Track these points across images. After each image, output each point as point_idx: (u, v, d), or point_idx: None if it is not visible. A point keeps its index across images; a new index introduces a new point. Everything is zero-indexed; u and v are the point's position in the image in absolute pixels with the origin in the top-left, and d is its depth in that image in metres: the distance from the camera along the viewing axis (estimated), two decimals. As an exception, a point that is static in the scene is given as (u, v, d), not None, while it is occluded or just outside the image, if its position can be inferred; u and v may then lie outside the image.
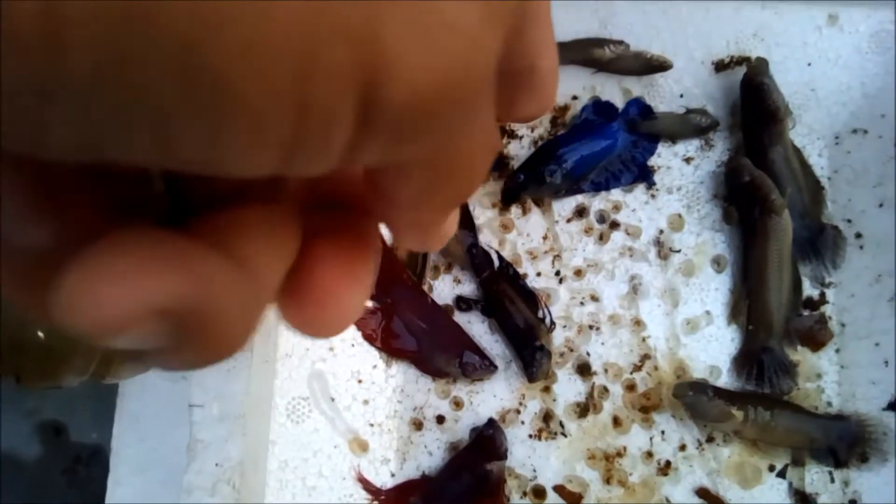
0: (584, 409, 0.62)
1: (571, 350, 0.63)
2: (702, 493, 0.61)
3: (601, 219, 0.65)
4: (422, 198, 0.15)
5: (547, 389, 0.62)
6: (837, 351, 0.63)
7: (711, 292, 0.64)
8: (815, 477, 0.61)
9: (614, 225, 0.65)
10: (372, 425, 0.60)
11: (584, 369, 0.62)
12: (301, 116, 0.11)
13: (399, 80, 0.11)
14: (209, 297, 0.13)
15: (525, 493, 0.61)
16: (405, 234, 0.18)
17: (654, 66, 0.64)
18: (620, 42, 0.63)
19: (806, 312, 0.63)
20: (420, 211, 0.16)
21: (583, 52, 0.64)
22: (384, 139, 0.12)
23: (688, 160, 0.66)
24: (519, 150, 0.66)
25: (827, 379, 0.63)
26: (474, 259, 0.63)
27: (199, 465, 0.50)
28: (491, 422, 0.61)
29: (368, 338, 0.61)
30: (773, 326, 0.62)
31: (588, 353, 0.63)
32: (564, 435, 0.61)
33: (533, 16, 0.18)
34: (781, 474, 0.61)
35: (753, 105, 0.63)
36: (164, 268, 0.12)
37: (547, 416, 0.62)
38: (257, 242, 0.15)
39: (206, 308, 0.13)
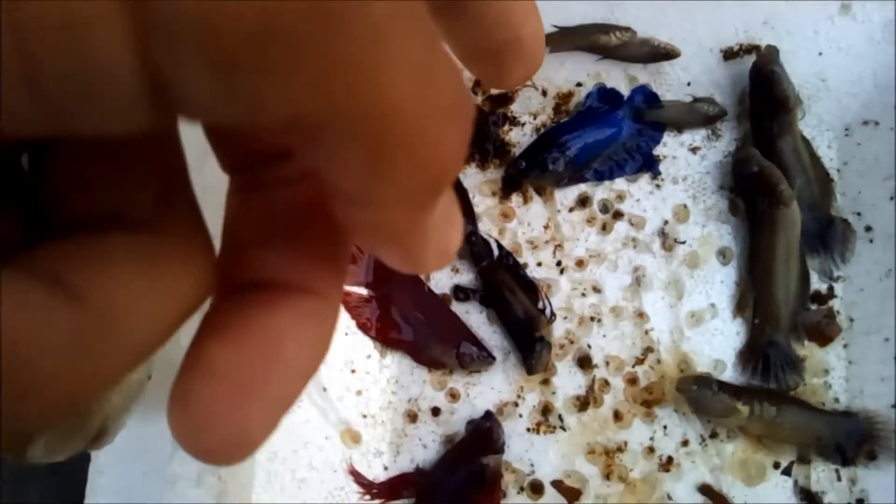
0: (584, 403, 0.60)
1: (572, 342, 0.61)
2: (704, 490, 0.59)
3: (604, 208, 0.63)
4: (369, 183, 0.12)
5: (546, 382, 0.60)
6: (845, 346, 0.61)
7: (717, 285, 0.62)
8: (821, 475, 0.59)
9: (618, 215, 0.63)
10: (365, 416, 0.59)
11: (584, 362, 0.61)
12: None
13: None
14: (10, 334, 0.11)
15: (522, 489, 0.59)
16: (378, 248, 0.14)
17: (661, 53, 0.62)
18: (627, 28, 0.62)
19: (813, 307, 0.62)
20: (376, 206, 0.13)
21: (588, 39, 0.62)
22: (204, 71, 0.10)
23: (694, 150, 0.64)
24: (521, 138, 0.64)
25: (834, 375, 0.61)
26: (473, 248, 0.61)
27: (184, 455, 0.48)
28: (488, 414, 0.59)
29: (363, 326, 0.60)
30: (780, 320, 0.60)
31: (589, 346, 0.61)
32: (563, 429, 0.60)
33: None
34: (787, 472, 0.59)
35: (762, 94, 0.61)
36: None
37: (546, 410, 0.60)
38: (110, 276, 0.12)
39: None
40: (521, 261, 0.62)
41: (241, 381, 0.13)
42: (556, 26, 0.62)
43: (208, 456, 0.13)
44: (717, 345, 0.61)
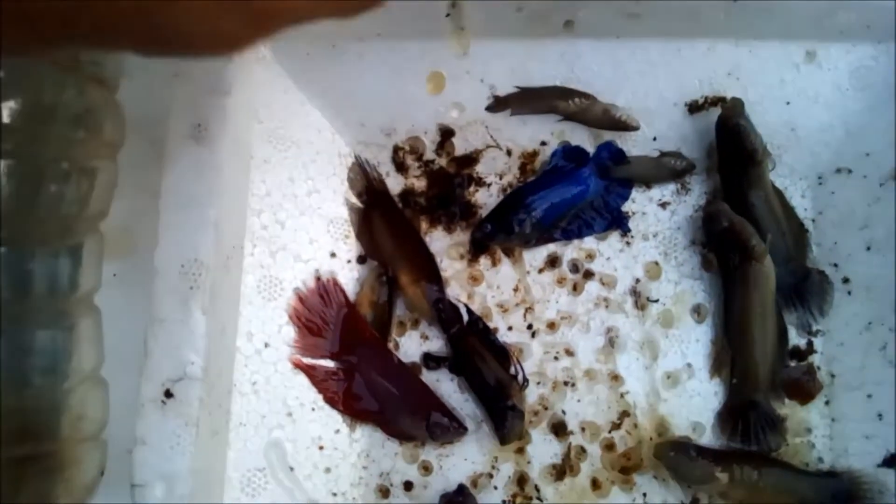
0: (560, 472, 0.58)
1: (546, 408, 0.59)
2: (687, 560, 0.57)
3: (574, 268, 0.62)
4: None
5: (521, 451, 0.59)
6: (827, 403, 0.60)
7: (692, 344, 0.60)
8: (808, 540, 0.57)
9: (588, 274, 0.62)
10: (335, 494, 0.57)
11: (559, 428, 0.59)
12: None
13: None
14: None
15: (499, 564, 0.57)
16: None
17: (620, 125, 0.61)
18: (587, 95, 0.61)
19: (793, 363, 0.60)
20: None
21: (548, 104, 0.61)
22: None
23: (663, 205, 0.63)
24: (487, 199, 0.63)
25: (817, 433, 0.59)
26: (441, 314, 0.60)
27: (141, 551, 0.46)
28: (461, 488, 0.57)
29: (330, 401, 0.58)
30: (759, 379, 0.58)
31: (563, 412, 0.59)
32: (540, 500, 0.58)
33: None
34: (772, 538, 0.57)
35: (730, 147, 0.60)
36: None
37: (521, 480, 0.58)
38: None
39: None
40: (491, 325, 0.61)
41: None
42: (517, 87, 0.61)
43: None
44: (695, 406, 0.59)
